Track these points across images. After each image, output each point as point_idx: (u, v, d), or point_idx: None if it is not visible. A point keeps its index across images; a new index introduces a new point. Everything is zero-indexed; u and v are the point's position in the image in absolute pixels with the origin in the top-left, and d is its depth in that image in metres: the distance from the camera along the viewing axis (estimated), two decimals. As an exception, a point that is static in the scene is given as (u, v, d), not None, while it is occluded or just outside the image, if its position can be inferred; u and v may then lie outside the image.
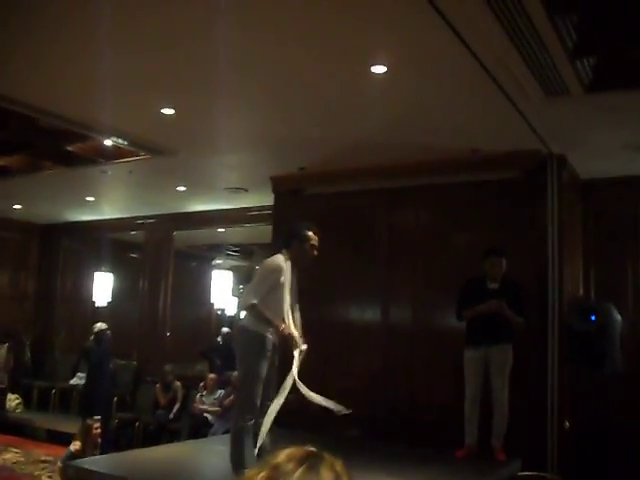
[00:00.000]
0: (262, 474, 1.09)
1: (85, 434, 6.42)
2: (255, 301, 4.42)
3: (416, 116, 5.38)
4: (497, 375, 5.46)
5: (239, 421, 4.40)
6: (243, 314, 4.63)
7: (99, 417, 6.83)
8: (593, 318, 5.24)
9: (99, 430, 6.49)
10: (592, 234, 6.77)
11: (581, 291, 6.66)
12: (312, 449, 1.13)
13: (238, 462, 4.25)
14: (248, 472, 1.10)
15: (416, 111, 5.27)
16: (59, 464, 6.27)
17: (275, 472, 1.08)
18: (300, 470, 1.08)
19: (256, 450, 4.22)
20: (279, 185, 7.59)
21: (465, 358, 5.54)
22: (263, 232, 8.44)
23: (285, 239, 4.77)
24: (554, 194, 6.05)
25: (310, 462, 1.10)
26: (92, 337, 8.66)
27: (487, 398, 5.45)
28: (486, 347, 5.45)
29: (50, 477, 7.45)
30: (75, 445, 6.32)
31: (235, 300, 12.30)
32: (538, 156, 6.03)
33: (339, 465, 1.13)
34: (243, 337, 4.54)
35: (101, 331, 8.61)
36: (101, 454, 6.60)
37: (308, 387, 6.95)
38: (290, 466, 1.09)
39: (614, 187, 6.62)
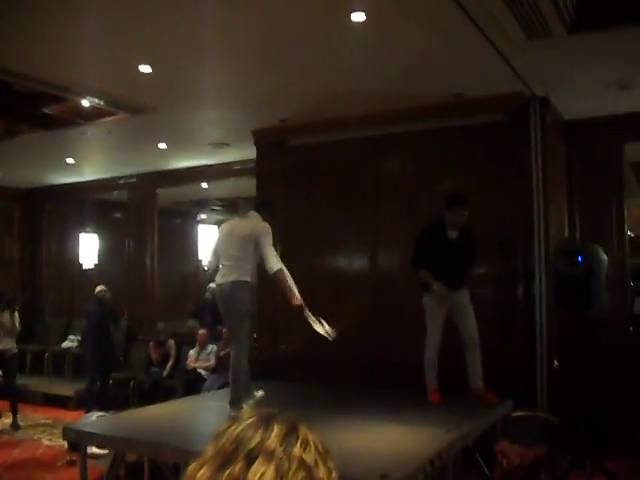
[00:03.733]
0: (224, 425, 1.13)
1: None
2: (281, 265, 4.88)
3: (397, 63, 5.31)
4: (466, 314, 5.52)
5: (244, 365, 4.85)
6: (241, 270, 4.73)
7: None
8: (580, 260, 5.28)
9: None
10: (576, 175, 6.78)
11: (566, 233, 6.70)
12: (274, 410, 1.17)
13: (240, 399, 4.71)
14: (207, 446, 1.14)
15: (397, 58, 5.20)
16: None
17: (233, 421, 1.13)
18: (251, 420, 1.13)
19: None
20: (261, 138, 7.52)
21: (426, 304, 5.57)
22: (247, 186, 8.42)
23: (267, 207, 5.26)
24: (537, 136, 6.04)
25: (263, 416, 1.14)
26: (93, 299, 8.80)
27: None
28: (449, 292, 5.47)
29: (50, 439, 7.55)
30: None
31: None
32: (521, 98, 6.00)
33: (303, 426, 1.16)
34: (250, 293, 4.87)
35: (101, 293, 8.75)
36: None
37: (297, 335, 7.08)
38: (245, 417, 1.15)
39: (598, 127, 6.60)
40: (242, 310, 4.78)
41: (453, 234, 5.60)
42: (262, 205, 5.25)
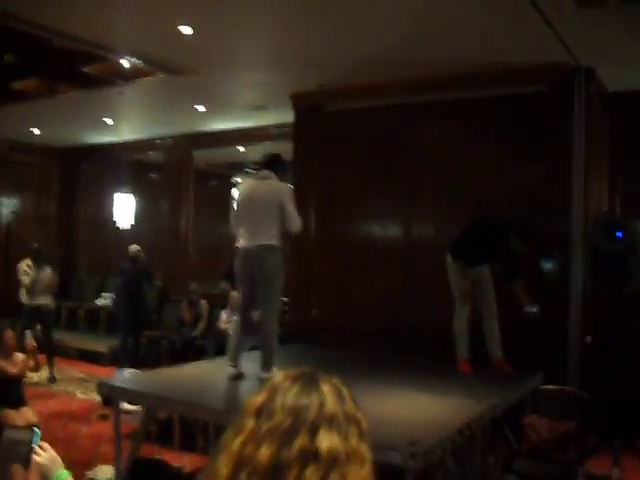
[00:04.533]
0: (262, 395, 1.11)
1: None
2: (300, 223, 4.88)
3: (438, 29, 5.22)
4: (485, 287, 5.44)
5: (275, 328, 4.83)
6: (267, 234, 4.71)
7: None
8: (619, 235, 5.19)
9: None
10: (619, 149, 6.62)
11: (606, 208, 6.58)
12: (307, 369, 1.15)
13: (272, 362, 4.70)
14: (250, 398, 1.12)
15: (438, 23, 5.11)
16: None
17: (273, 392, 1.11)
18: (297, 385, 1.10)
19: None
20: (299, 102, 7.48)
21: (450, 276, 5.44)
22: (284, 149, 8.37)
23: (278, 162, 5.00)
24: (581, 108, 5.91)
25: (306, 378, 1.12)
26: (127, 258, 9.00)
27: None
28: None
29: (84, 393, 7.73)
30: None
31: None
32: (566, 68, 5.86)
33: (336, 380, 1.15)
34: (278, 256, 4.78)
35: (135, 252, 8.95)
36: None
37: (329, 301, 7.09)
38: (287, 384, 1.12)
39: (642, 100, 6.43)
40: (271, 274, 4.75)
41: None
42: (273, 162, 5.00)
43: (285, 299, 8.20)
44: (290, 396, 1.09)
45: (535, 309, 5.23)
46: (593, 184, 6.03)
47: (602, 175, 6.51)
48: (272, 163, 4.96)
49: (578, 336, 5.78)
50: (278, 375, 1.16)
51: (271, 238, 4.70)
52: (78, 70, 6.88)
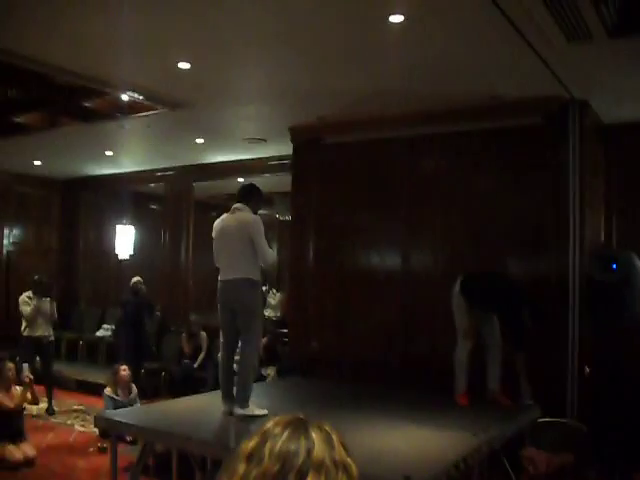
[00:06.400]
0: (253, 440, 1.13)
1: (114, 378, 6.77)
2: (275, 258, 4.92)
3: (435, 64, 5.30)
4: (490, 319, 5.54)
5: (254, 362, 4.91)
6: (242, 268, 4.74)
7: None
8: (614, 267, 5.21)
9: (126, 372, 6.71)
10: (614, 180, 6.67)
11: (602, 239, 6.61)
12: (299, 415, 1.17)
13: (248, 397, 4.69)
14: (242, 444, 1.14)
15: (435, 59, 5.19)
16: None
17: (263, 437, 1.12)
18: (287, 432, 1.11)
19: None
20: (298, 135, 7.57)
21: (455, 308, 5.54)
22: (282, 181, 8.47)
23: (250, 193, 5.02)
24: (576, 140, 5.96)
25: (296, 425, 1.13)
26: (129, 289, 9.06)
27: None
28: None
29: (82, 425, 7.70)
30: (107, 390, 6.68)
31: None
32: (560, 101, 5.93)
33: (327, 425, 1.16)
34: (254, 289, 4.81)
35: (137, 284, 9.00)
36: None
37: (328, 333, 7.12)
38: (277, 430, 1.13)
39: (638, 132, 6.49)
40: (248, 307, 4.73)
41: None
42: (246, 193, 4.98)
43: (285, 331, 8.24)
44: (279, 442, 1.10)
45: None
46: (589, 215, 6.07)
47: (598, 206, 6.55)
48: (245, 195, 4.96)
49: (576, 367, 5.77)
50: (269, 421, 1.17)
51: (247, 271, 4.70)
52: (79, 104, 6.98)
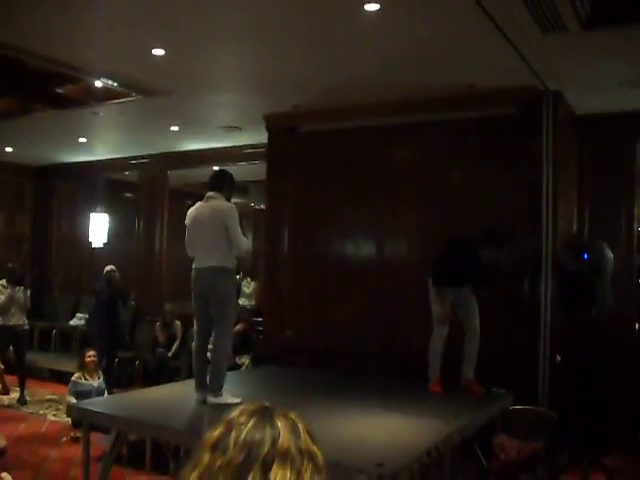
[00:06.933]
0: (218, 429, 1.12)
1: (81, 362, 6.75)
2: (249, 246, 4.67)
3: (410, 53, 5.31)
4: (469, 309, 5.56)
5: (227, 350, 4.92)
6: (217, 256, 4.73)
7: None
8: (586, 257, 5.28)
9: (91, 358, 6.66)
10: (587, 171, 6.75)
11: (575, 229, 6.69)
12: (264, 403, 1.17)
13: (221, 385, 4.72)
14: (207, 433, 1.14)
15: (410, 48, 5.19)
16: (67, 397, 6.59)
17: (228, 426, 1.11)
18: (252, 421, 1.10)
19: None
20: (273, 123, 7.54)
21: (431, 297, 5.56)
22: (257, 169, 8.45)
23: (223, 180, 5.00)
24: (549, 130, 6.02)
25: (261, 413, 1.13)
26: (103, 278, 8.95)
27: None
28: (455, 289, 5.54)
29: (55, 415, 7.64)
30: (75, 376, 6.68)
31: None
32: (534, 92, 5.97)
33: (293, 414, 1.16)
34: (228, 277, 4.83)
35: (110, 272, 8.91)
36: (106, 386, 6.83)
37: (303, 322, 7.14)
38: (242, 419, 1.12)
39: (611, 123, 6.55)
40: (222, 296, 4.73)
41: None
42: (218, 181, 4.97)
43: (260, 319, 8.24)
44: (244, 431, 1.09)
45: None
46: (562, 205, 6.14)
47: (571, 196, 6.62)
48: (217, 182, 4.95)
49: (548, 355, 5.85)
50: (234, 410, 1.17)
51: (221, 260, 4.70)
52: (52, 91, 6.87)
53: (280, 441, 1.08)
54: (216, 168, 10.32)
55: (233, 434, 1.09)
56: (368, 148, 6.99)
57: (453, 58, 5.38)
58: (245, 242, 4.87)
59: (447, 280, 5.44)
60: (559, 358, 5.93)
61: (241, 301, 10.64)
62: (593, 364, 5.61)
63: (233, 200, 5.04)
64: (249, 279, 11.53)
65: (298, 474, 1.06)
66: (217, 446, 1.09)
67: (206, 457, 1.09)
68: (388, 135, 6.86)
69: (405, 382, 5.73)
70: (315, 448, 1.12)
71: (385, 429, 4.15)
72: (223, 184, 4.94)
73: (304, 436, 1.12)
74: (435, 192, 6.58)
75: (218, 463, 1.07)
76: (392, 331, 6.68)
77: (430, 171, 6.65)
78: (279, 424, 1.11)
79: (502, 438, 4.68)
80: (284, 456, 1.06)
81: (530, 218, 6.04)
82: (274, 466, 1.05)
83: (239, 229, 4.76)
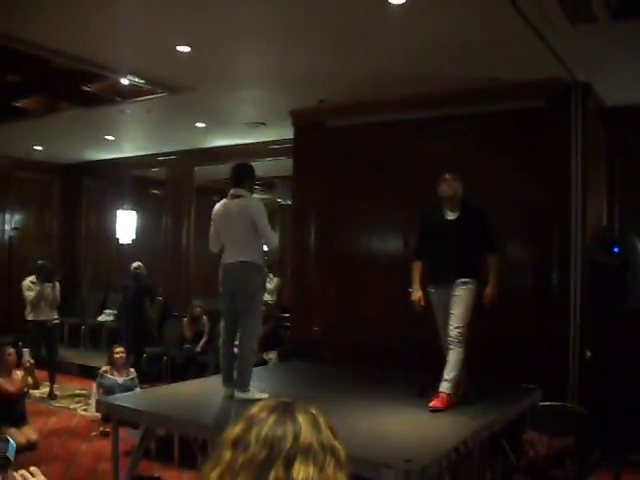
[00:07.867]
0: (239, 426, 1.11)
1: (110, 359, 6.74)
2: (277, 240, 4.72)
3: (436, 47, 5.26)
4: (454, 307, 4.84)
5: (253, 346, 4.86)
6: (247, 252, 4.73)
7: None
8: (616, 251, 5.19)
9: (119, 354, 6.67)
10: (617, 164, 6.63)
11: (604, 223, 6.58)
12: (284, 399, 1.15)
13: (248, 381, 4.70)
14: (229, 429, 1.12)
15: (436, 42, 5.14)
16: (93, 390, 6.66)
17: (249, 422, 1.10)
18: (273, 416, 1.10)
19: None
20: (299, 118, 7.52)
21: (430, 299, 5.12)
22: (284, 165, 8.45)
23: (245, 175, 4.97)
24: (578, 123, 5.92)
25: (282, 409, 1.12)
26: (129, 274, 9.03)
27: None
28: (449, 285, 4.90)
29: (85, 410, 7.73)
30: (103, 369, 6.69)
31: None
32: (562, 84, 5.88)
33: (314, 409, 1.14)
34: (258, 272, 4.82)
35: (137, 269, 8.98)
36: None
37: (330, 318, 7.09)
38: (263, 415, 1.11)
39: (640, 115, 6.44)
40: (251, 291, 4.75)
41: (451, 215, 5.01)
42: (240, 176, 4.93)
43: (286, 315, 8.25)
44: (266, 427, 1.08)
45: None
46: (591, 198, 6.04)
47: (600, 189, 6.52)
48: (239, 177, 4.93)
49: (577, 351, 5.77)
50: (255, 406, 1.16)
51: (252, 256, 4.72)
52: (79, 89, 6.94)
53: (302, 436, 1.06)
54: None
55: (254, 430, 1.08)
56: (395, 142, 6.94)
57: (480, 51, 5.31)
58: (274, 236, 4.91)
59: (446, 267, 4.97)
60: (589, 354, 5.85)
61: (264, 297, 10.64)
62: (624, 360, 5.51)
63: (259, 196, 5.04)
64: (271, 275, 11.56)
65: (321, 470, 1.05)
66: (238, 443, 1.08)
67: (227, 454, 1.08)
68: (415, 129, 6.79)
69: (433, 377, 5.68)
70: (337, 443, 1.11)
71: (413, 425, 4.12)
72: (245, 178, 4.95)
73: (326, 431, 1.11)
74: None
75: (240, 460, 1.06)
76: (419, 325, 6.61)
77: (457, 165, 6.56)
78: (300, 419, 1.10)
79: (531, 434, 4.62)
80: (306, 451, 1.05)
81: (559, 212, 5.95)
82: (296, 462, 1.04)
83: (267, 223, 4.78)
